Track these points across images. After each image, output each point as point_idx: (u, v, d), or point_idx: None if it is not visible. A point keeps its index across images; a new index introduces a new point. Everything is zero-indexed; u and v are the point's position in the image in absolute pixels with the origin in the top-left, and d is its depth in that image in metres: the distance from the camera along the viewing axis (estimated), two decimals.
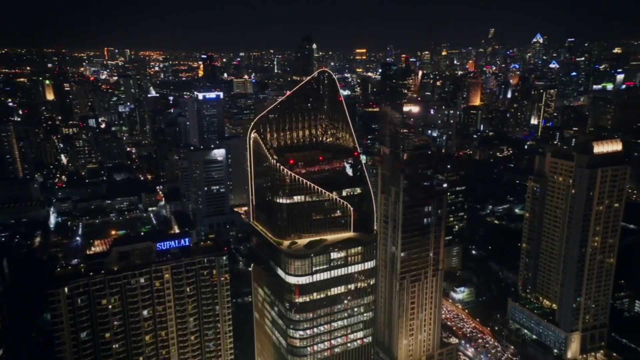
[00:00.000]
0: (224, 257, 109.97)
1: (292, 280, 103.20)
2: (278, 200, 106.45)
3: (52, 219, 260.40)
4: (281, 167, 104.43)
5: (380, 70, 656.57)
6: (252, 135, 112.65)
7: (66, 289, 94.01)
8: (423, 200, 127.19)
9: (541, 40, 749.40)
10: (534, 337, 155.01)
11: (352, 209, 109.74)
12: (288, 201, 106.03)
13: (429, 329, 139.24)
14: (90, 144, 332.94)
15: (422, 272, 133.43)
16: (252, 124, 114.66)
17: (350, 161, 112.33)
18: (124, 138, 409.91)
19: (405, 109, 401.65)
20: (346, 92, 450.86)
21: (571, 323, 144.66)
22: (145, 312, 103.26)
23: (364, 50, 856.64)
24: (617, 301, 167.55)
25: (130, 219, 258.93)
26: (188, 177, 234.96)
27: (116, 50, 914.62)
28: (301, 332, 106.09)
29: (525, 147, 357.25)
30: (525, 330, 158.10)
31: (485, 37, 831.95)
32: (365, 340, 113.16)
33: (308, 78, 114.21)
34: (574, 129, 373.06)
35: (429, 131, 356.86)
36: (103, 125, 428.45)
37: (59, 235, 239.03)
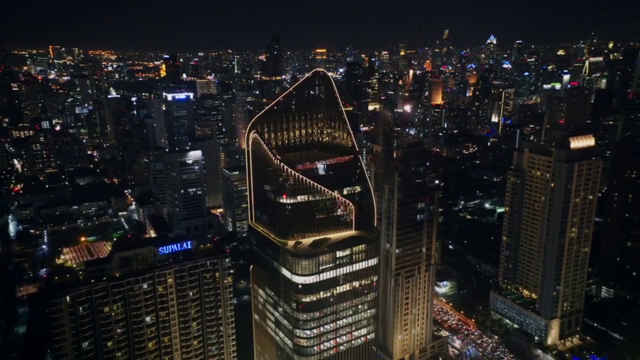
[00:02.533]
0: (227, 260, 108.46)
1: (298, 280, 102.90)
2: (281, 201, 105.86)
3: (12, 227, 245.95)
4: (285, 167, 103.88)
5: (342, 70, 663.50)
6: (252, 135, 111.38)
7: (68, 298, 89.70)
8: (417, 197, 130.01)
9: (495, 42, 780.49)
10: (516, 326, 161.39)
11: (353, 207, 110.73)
12: (292, 201, 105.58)
13: (422, 323, 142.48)
14: (49, 148, 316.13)
15: (415, 267, 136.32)
16: (250, 124, 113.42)
17: (349, 159, 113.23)
18: (84, 141, 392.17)
19: (371, 107, 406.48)
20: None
21: (551, 311, 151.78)
22: (148, 319, 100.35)
23: (324, 50, 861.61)
24: (587, 288, 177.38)
25: (100, 225, 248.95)
26: (162, 179, 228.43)
27: (63, 49, 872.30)
28: (308, 332, 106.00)
29: (489, 144, 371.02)
30: (507, 320, 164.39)
31: (440, 38, 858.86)
32: (368, 336, 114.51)
33: (306, 77, 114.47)
34: (531, 126, 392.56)
35: (407, 129, 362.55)
36: (58, 128, 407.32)
37: (21, 244, 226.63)
